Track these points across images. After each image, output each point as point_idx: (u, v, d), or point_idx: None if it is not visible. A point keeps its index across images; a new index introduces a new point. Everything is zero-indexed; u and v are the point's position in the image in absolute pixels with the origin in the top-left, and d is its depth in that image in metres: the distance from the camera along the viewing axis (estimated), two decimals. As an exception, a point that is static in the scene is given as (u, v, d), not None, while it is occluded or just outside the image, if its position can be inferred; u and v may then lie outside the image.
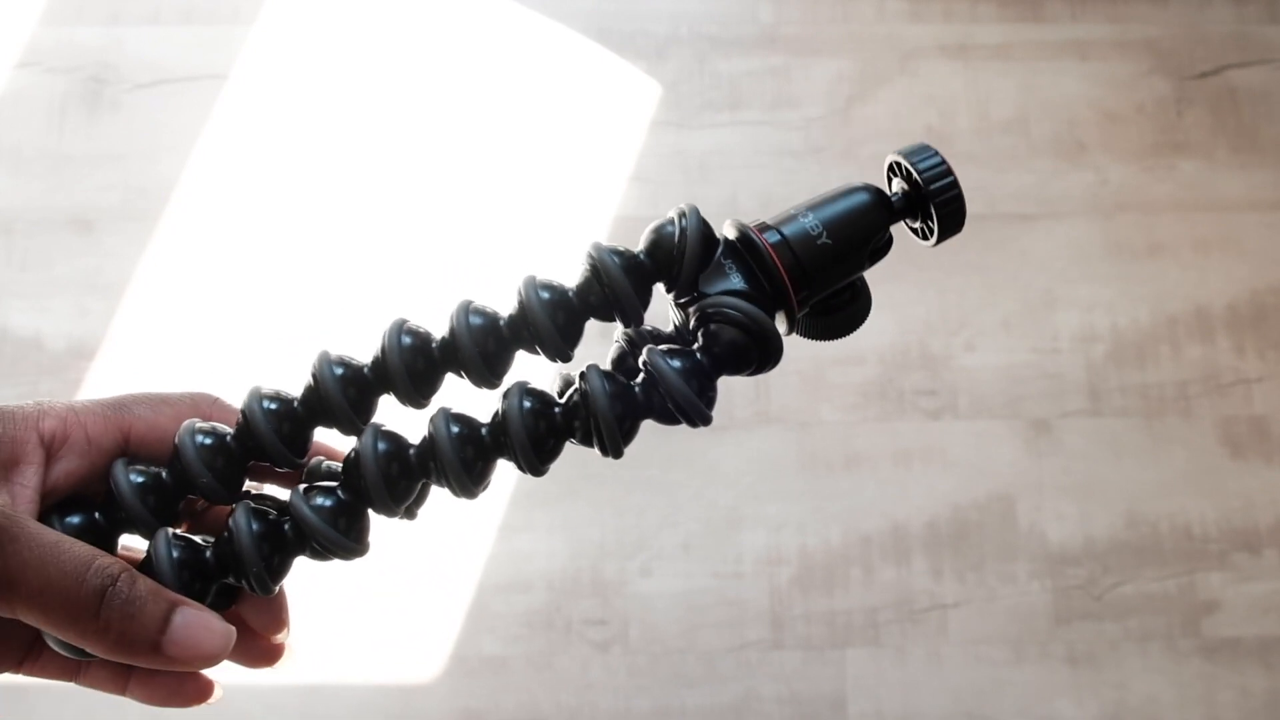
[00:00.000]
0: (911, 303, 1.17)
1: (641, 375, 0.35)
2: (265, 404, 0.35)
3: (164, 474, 0.35)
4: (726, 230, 0.36)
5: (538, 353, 0.35)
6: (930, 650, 1.07)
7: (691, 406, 0.33)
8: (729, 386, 1.13)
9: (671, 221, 0.35)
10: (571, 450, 0.36)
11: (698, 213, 0.35)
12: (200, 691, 0.35)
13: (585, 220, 1.18)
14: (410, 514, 0.36)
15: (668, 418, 0.34)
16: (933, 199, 0.35)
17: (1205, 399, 1.15)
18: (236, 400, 0.37)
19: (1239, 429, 1.14)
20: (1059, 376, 1.15)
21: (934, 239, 0.36)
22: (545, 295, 0.34)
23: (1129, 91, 1.25)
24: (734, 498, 1.11)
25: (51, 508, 0.34)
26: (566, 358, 0.35)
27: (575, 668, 1.06)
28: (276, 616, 0.37)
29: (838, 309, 0.37)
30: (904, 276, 1.17)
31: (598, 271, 0.34)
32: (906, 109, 1.23)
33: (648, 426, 0.35)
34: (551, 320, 0.34)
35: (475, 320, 0.35)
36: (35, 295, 1.14)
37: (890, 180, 0.37)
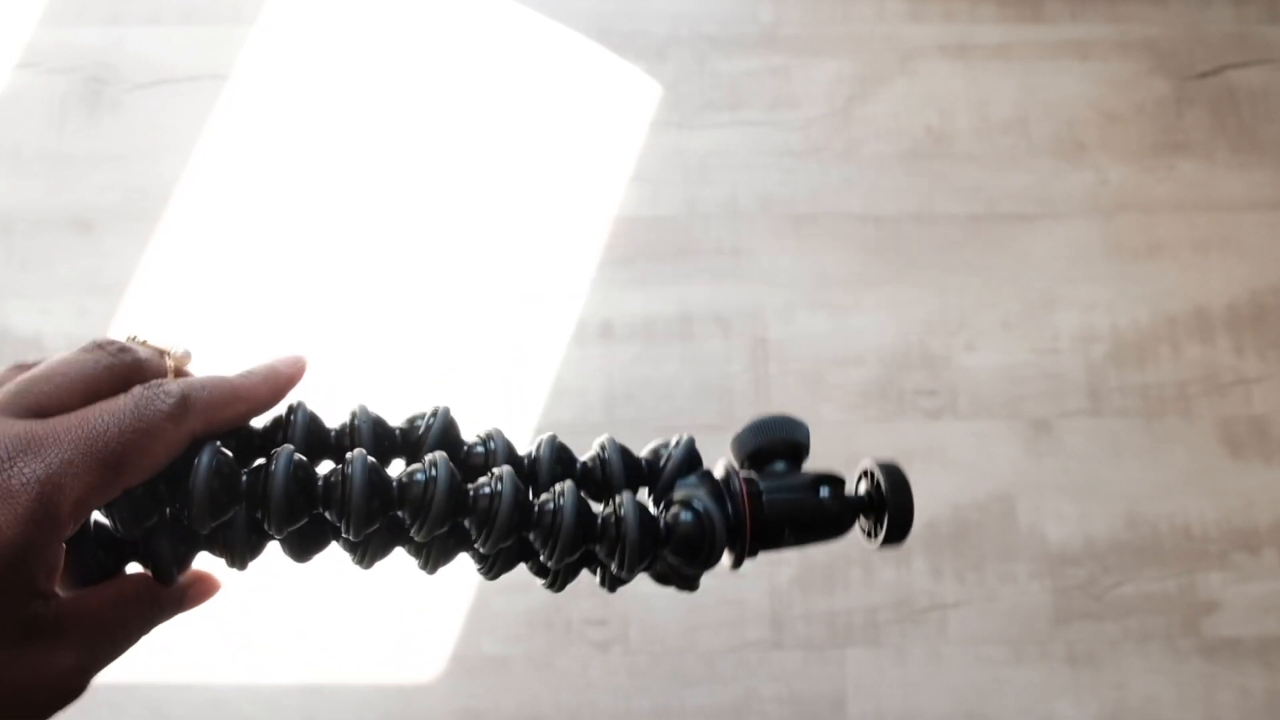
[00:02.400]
0: (911, 303, 1.17)
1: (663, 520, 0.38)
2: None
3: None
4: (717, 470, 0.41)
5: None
6: (930, 650, 1.07)
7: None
8: (728, 388, 1.14)
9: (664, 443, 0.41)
10: None
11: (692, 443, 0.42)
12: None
13: (585, 220, 1.18)
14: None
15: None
16: (889, 510, 0.38)
17: (1205, 399, 1.15)
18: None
19: (1239, 429, 1.14)
20: (1059, 376, 1.15)
21: (878, 542, 0.39)
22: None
23: (1129, 91, 1.25)
24: (734, 498, 1.10)
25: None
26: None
27: (575, 668, 1.06)
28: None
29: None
30: (904, 276, 1.17)
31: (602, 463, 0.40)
32: (906, 109, 1.23)
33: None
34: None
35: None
36: (35, 295, 1.14)
37: (859, 481, 0.41)
